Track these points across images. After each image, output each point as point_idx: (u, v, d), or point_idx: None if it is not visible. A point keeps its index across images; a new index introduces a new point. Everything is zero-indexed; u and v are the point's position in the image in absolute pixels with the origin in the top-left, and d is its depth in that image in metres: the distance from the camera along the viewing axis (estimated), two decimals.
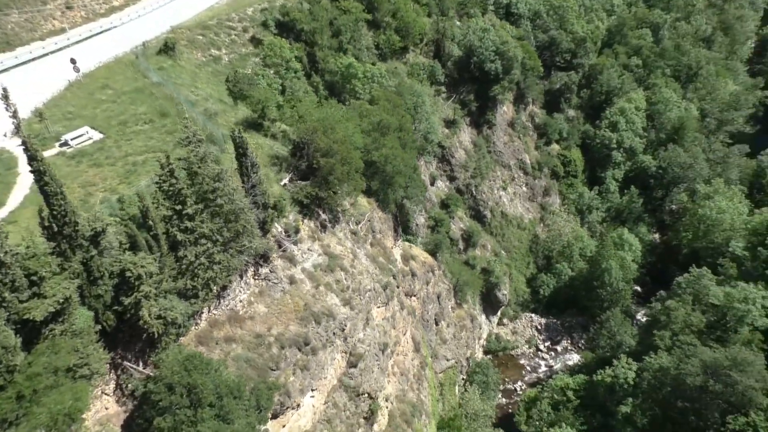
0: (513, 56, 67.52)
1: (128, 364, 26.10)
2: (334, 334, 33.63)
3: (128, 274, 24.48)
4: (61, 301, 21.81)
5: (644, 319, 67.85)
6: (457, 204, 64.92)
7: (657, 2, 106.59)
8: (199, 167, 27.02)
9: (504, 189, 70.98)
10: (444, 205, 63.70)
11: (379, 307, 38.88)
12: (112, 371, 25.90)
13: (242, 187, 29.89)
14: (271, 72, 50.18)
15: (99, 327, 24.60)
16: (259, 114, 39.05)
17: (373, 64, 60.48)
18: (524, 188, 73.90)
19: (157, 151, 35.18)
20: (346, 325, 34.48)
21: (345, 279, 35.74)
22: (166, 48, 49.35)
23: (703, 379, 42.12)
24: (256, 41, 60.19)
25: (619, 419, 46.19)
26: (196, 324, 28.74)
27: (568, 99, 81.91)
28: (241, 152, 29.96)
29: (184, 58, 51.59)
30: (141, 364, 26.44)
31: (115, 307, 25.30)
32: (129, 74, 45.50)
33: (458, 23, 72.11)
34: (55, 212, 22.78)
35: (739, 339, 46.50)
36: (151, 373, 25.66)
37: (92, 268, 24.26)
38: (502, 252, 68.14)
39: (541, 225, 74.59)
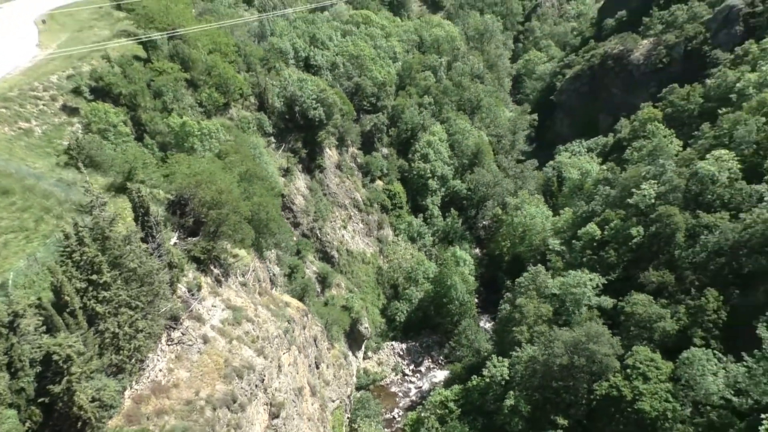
0: (333, 102, 71.24)
1: None
2: (256, 386, 32.43)
3: (55, 357, 21.69)
4: None
5: (488, 324, 74.66)
6: (306, 248, 65.72)
7: (429, 48, 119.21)
8: (111, 231, 24.94)
9: (344, 228, 73.55)
10: (296, 251, 64.13)
11: (284, 353, 38.21)
12: None
13: (147, 247, 27.97)
14: (97, 138, 46.44)
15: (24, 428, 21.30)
16: (125, 177, 36.58)
17: (199, 122, 59.51)
18: (361, 225, 77.24)
19: (17, 231, 31.26)
20: (264, 376, 33.45)
21: (253, 329, 34.73)
22: None
23: (568, 358, 47.81)
24: (69, 109, 55.65)
25: (505, 412, 50.02)
26: (121, 403, 25.98)
27: (380, 138, 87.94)
28: (143, 211, 28.12)
29: None
30: None
31: (41, 399, 22.09)
32: None
33: (271, 80, 73.96)
34: None
35: (581, 319, 53.50)
36: None
37: (13, 359, 21.04)
38: (355, 288, 70.21)
39: (381, 257, 78.36)
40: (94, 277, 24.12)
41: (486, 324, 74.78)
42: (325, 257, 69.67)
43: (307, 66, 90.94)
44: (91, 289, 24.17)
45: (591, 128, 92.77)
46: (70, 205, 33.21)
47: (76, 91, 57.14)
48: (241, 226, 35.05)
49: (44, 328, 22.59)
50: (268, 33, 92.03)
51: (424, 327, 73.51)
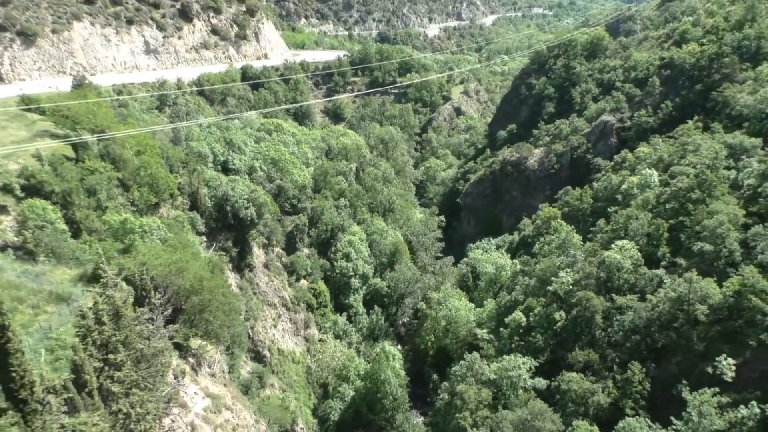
0: (263, 202, 73.10)
1: None
2: None
3: None
4: None
5: (419, 419, 75.31)
6: (240, 347, 64.55)
7: (336, 156, 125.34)
8: (126, 309, 24.99)
9: (275, 327, 73.13)
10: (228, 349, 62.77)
11: None
12: None
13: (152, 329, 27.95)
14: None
15: None
16: (95, 267, 36.02)
17: (139, 219, 59.04)
18: (289, 324, 77.02)
19: None
20: None
21: (232, 417, 34.32)
22: None
23: None
24: None
25: None
26: None
27: (302, 239, 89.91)
28: (144, 294, 28.24)
29: None
30: None
31: None
32: None
33: (202, 180, 75.09)
34: (13, 374, 19.08)
35: (520, 401, 56.40)
36: None
37: None
38: (288, 388, 69.08)
39: (309, 357, 77.96)
40: (110, 356, 23.91)
41: (416, 419, 75.42)
42: (258, 357, 68.53)
43: (225, 169, 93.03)
44: (106, 368, 23.85)
45: (495, 228, 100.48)
46: (45, 295, 32.18)
47: (5, 189, 55.47)
48: (221, 312, 35.40)
49: (65, 407, 21.95)
50: (183, 138, 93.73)
51: (356, 425, 72.81)
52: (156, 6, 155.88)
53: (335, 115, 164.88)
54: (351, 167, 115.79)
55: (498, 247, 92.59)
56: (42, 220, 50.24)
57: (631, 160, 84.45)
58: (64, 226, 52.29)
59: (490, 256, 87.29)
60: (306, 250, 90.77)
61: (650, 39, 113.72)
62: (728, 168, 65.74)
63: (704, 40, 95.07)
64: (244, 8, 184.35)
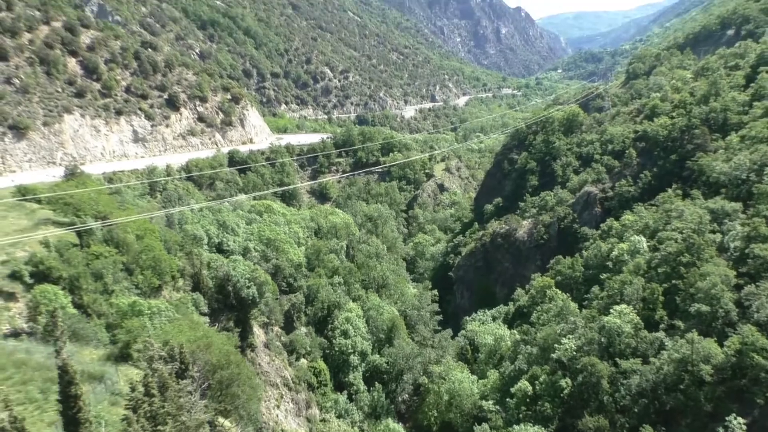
0: (264, 281, 73.84)
1: None
2: None
3: None
4: None
5: None
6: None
7: (326, 234, 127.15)
8: (172, 382, 25.56)
9: (278, 407, 72.05)
10: None
11: None
12: None
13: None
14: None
15: None
16: (125, 345, 36.47)
17: (148, 301, 59.35)
18: (291, 404, 75.93)
19: (25, 402, 30.09)
20: None
21: None
22: None
23: None
24: (5, 294, 53.70)
25: None
26: None
27: (299, 317, 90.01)
28: (183, 367, 28.82)
29: None
30: None
31: None
32: None
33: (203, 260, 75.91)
34: None
35: None
36: None
37: None
38: None
39: None
40: (160, 428, 24.29)
41: None
42: None
43: (220, 251, 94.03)
44: None
45: (489, 299, 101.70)
46: (78, 375, 32.36)
47: (13, 276, 55.80)
48: (247, 386, 35.78)
49: None
50: (177, 222, 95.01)
51: None
52: (144, 97, 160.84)
53: (321, 195, 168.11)
54: (342, 245, 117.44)
55: (494, 318, 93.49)
56: (54, 304, 50.55)
57: (617, 228, 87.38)
58: (74, 311, 52.57)
59: (487, 327, 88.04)
60: (303, 329, 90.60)
61: (622, 114, 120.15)
62: (713, 232, 68.67)
63: (674, 114, 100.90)
64: (229, 96, 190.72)
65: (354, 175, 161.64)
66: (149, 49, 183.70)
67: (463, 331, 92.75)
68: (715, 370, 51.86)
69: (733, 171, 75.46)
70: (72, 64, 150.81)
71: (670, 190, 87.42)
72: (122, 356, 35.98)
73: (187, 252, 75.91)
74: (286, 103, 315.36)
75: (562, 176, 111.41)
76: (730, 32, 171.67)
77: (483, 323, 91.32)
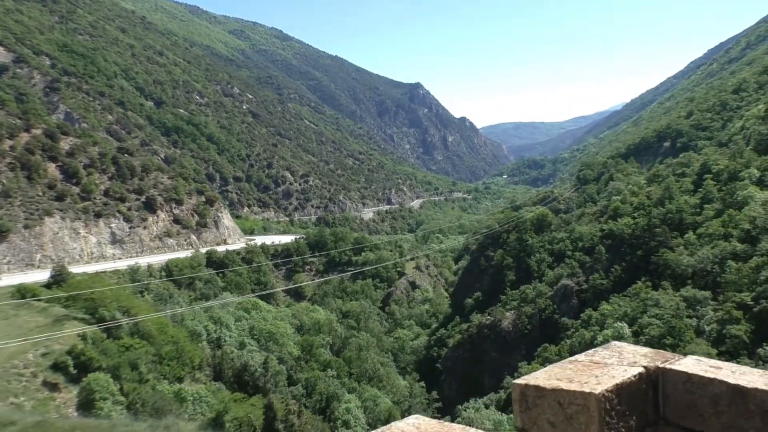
0: (279, 370, 76.90)
1: None
2: None
3: None
4: None
5: None
6: None
7: (309, 330, 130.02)
8: None
9: None
10: None
11: None
12: None
13: None
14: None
15: None
16: (215, 417, 39.98)
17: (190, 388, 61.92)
18: None
19: None
20: None
21: None
22: None
23: None
24: (50, 385, 55.61)
25: None
26: None
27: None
28: None
29: None
30: None
31: None
32: None
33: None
34: None
35: None
36: None
37: None
38: None
39: None
40: None
41: None
42: None
43: (218, 346, 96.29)
44: None
45: (478, 389, 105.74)
46: None
47: (54, 367, 57.94)
48: None
49: None
50: (180, 319, 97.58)
51: None
52: (122, 200, 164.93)
53: (296, 294, 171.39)
54: (328, 340, 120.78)
55: (486, 406, 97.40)
56: (105, 392, 53.02)
57: (596, 317, 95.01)
58: (122, 398, 54.92)
59: (482, 413, 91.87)
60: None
61: (587, 215, 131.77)
62: (689, 317, 76.99)
63: (635, 214, 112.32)
64: (203, 199, 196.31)
65: (340, 276, 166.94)
66: (126, 155, 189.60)
67: (458, 419, 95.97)
68: None
69: (698, 264, 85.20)
70: (52, 168, 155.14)
71: (640, 282, 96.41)
72: (216, 424, 39.56)
73: (210, 341, 78.56)
74: (249, 206, 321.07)
75: (537, 271, 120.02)
76: (666, 144, 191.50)
77: (477, 410, 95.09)
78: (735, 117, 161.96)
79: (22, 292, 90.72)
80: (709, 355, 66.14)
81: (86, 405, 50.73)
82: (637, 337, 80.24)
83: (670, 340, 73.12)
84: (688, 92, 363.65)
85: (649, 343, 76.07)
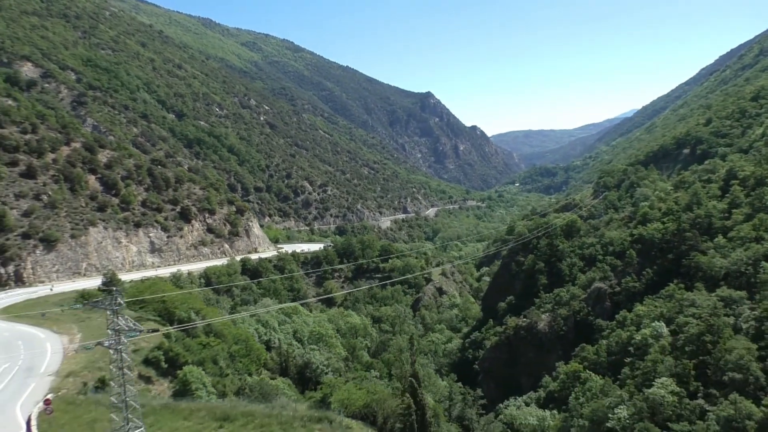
0: (339, 368, 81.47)
1: None
2: None
3: None
4: None
5: None
6: None
7: (345, 334, 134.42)
8: None
9: None
10: None
11: None
12: None
13: None
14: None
15: None
16: (321, 397, 44.76)
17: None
18: None
19: None
20: None
21: None
22: None
23: None
24: (144, 378, 60.49)
25: None
26: None
27: None
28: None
29: None
30: None
31: None
32: None
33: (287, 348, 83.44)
34: None
35: None
36: None
37: None
38: None
39: None
40: None
41: None
42: None
43: (268, 348, 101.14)
44: None
45: (515, 389, 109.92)
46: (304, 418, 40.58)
47: (146, 362, 62.86)
48: None
49: None
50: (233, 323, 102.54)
51: None
52: (159, 210, 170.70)
53: (327, 300, 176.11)
54: (366, 343, 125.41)
55: (527, 404, 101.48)
56: (199, 383, 57.86)
57: (632, 318, 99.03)
58: (213, 389, 59.73)
59: (524, 410, 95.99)
60: None
61: (615, 220, 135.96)
62: (726, 315, 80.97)
63: (665, 219, 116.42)
64: (234, 209, 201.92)
65: (375, 285, 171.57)
66: (159, 166, 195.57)
67: (501, 416, 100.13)
68: (758, 426, 61.94)
69: (732, 265, 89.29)
70: (92, 180, 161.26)
71: (672, 284, 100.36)
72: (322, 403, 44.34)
73: (261, 342, 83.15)
74: (270, 216, 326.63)
75: (569, 275, 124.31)
76: (686, 151, 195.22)
77: (519, 408, 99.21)
78: (755, 124, 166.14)
79: (85, 297, 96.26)
80: (750, 350, 69.98)
81: (182, 393, 55.41)
82: (675, 336, 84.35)
83: (709, 338, 77.12)
84: (702, 99, 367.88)
85: (689, 341, 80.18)
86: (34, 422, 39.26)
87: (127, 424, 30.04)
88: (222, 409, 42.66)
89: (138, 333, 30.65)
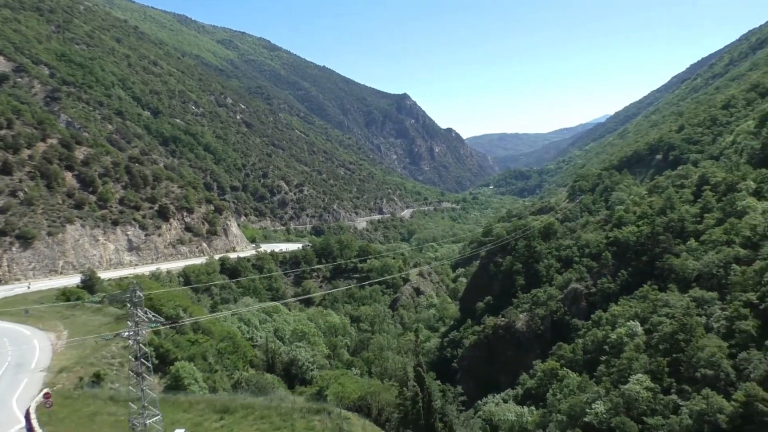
0: (324, 364, 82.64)
1: None
2: None
3: None
4: None
5: None
6: None
7: (326, 333, 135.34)
8: None
9: None
10: None
11: None
12: None
13: None
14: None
15: None
16: (318, 390, 46.06)
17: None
18: None
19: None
20: None
21: None
22: None
23: None
24: (136, 373, 61.03)
25: None
26: None
27: None
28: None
29: None
30: None
31: None
32: None
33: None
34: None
35: None
36: None
37: None
38: None
39: None
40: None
41: None
42: None
43: (252, 345, 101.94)
44: None
45: (494, 387, 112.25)
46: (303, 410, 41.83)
47: (136, 358, 63.16)
48: None
49: None
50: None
51: None
52: (137, 208, 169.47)
53: (306, 300, 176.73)
54: (346, 341, 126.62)
55: (504, 401, 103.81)
56: (191, 378, 58.57)
57: (607, 318, 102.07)
58: (204, 384, 60.46)
59: (503, 407, 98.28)
60: None
61: (591, 223, 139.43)
62: (698, 315, 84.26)
63: (639, 223, 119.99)
64: (212, 208, 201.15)
65: (354, 286, 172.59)
66: (136, 164, 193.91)
67: (480, 413, 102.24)
68: (728, 419, 64.92)
69: (704, 267, 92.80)
70: (69, 177, 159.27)
71: (646, 286, 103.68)
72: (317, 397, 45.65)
73: (266, 339, 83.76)
74: (246, 215, 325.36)
75: (546, 276, 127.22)
76: (659, 156, 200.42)
77: (497, 404, 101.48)
78: (725, 131, 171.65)
79: (67, 294, 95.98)
80: (721, 348, 73.05)
81: (174, 388, 56.09)
82: (649, 335, 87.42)
83: (682, 336, 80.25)
84: (673, 106, 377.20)
85: (663, 339, 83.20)
86: (33, 415, 39.80)
87: (144, 412, 31.06)
88: (221, 402, 43.74)
89: (158, 324, 31.54)
